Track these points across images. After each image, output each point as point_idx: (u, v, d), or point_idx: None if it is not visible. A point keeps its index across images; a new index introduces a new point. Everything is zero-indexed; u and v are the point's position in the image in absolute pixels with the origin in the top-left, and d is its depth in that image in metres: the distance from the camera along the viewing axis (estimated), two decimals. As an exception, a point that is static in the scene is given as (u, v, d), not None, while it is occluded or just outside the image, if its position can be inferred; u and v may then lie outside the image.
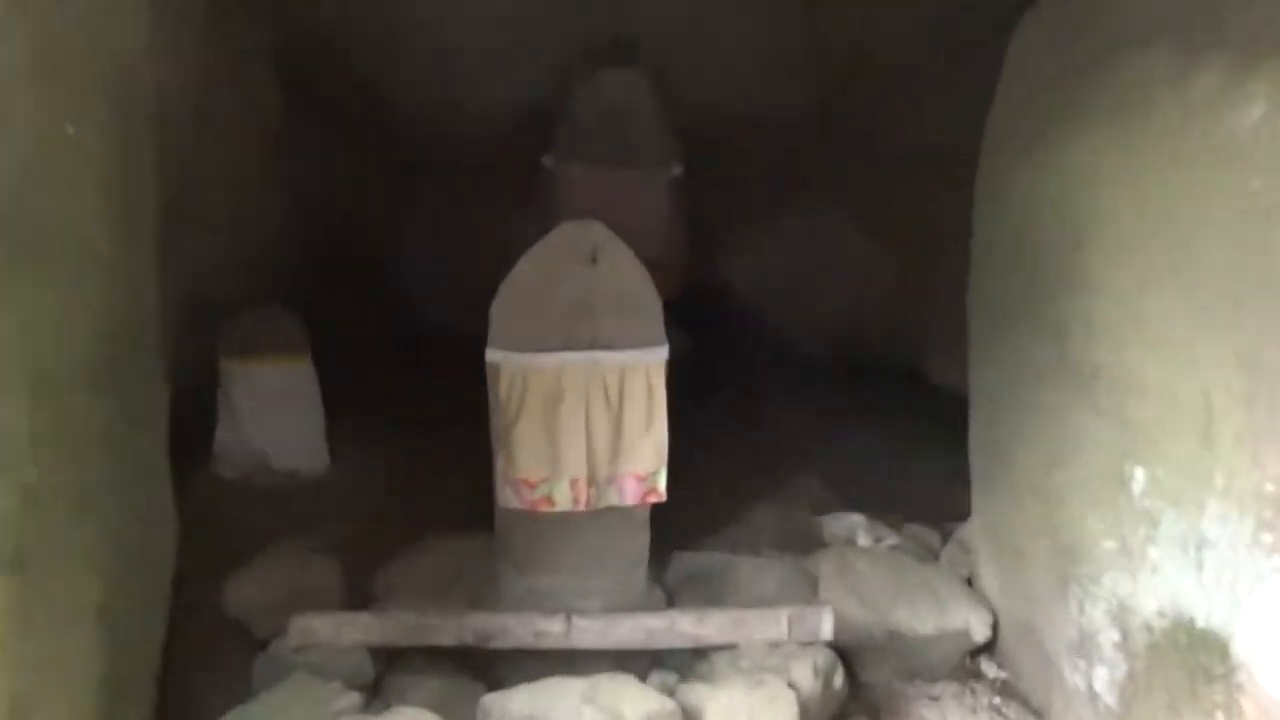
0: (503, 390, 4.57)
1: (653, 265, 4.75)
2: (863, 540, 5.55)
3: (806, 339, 7.81)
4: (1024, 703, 4.61)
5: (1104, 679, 4.06)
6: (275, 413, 5.60)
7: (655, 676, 4.55)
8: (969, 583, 5.13)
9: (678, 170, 7.50)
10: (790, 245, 8.09)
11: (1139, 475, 3.80)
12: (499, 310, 4.59)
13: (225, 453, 5.56)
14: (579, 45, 7.67)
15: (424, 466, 5.89)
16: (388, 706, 4.18)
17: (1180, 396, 3.57)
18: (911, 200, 6.20)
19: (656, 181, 7.46)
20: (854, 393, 6.99)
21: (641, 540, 4.79)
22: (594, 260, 4.56)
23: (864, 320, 7.26)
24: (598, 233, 4.60)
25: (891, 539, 5.54)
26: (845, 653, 4.62)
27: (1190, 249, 3.51)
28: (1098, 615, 4.07)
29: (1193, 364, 3.52)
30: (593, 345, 4.58)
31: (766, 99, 8.14)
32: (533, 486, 4.58)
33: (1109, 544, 3.99)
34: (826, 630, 4.49)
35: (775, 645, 4.46)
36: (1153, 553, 3.76)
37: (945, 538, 5.52)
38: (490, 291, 4.60)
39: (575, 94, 7.61)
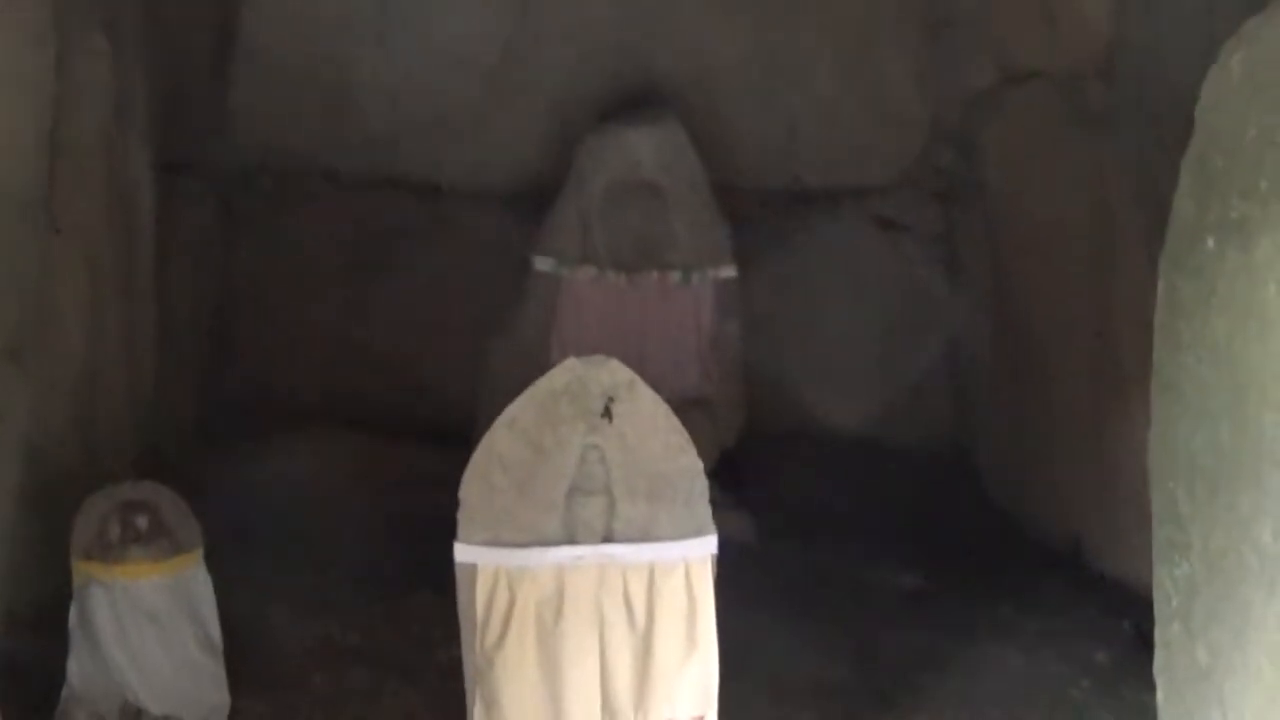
0: (479, 605, 3.80)
1: (692, 407, 4.20)
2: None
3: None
4: None
5: None
6: (151, 635, 4.54)
7: None
8: None
9: (729, 271, 6.37)
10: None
11: None
12: (471, 489, 3.82)
13: (80, 693, 4.50)
14: (588, 95, 6.71)
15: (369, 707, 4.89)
16: None
17: None
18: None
19: (699, 289, 6.33)
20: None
21: (683, 819, 3.96)
22: (608, 414, 3.82)
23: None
24: (613, 374, 3.84)
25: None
26: None
27: None
28: None
29: None
30: (608, 537, 3.83)
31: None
32: (526, 749, 3.86)
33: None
34: None
35: None
36: None
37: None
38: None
39: (580, 163, 6.49)
